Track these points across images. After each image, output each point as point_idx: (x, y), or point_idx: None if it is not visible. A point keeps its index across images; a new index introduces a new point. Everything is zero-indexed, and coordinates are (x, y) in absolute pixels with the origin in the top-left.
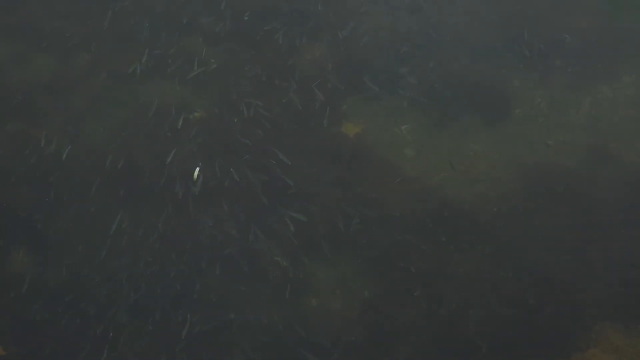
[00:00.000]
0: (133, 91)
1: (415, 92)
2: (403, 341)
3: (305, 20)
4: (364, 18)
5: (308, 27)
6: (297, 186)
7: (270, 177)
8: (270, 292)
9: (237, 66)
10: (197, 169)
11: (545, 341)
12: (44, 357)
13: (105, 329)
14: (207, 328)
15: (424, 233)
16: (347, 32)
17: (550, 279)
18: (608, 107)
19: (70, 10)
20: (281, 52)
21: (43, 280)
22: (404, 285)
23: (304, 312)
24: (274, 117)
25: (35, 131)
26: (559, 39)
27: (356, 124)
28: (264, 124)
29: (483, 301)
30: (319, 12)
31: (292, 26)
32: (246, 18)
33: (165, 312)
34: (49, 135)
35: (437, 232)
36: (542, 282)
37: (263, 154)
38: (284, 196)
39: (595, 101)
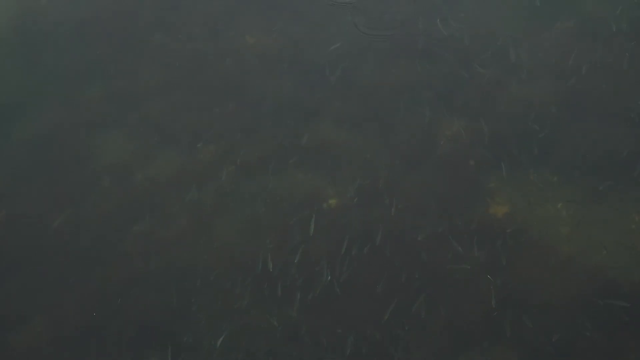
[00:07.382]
0: (263, 183)
1: (565, 164)
2: None
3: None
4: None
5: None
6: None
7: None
8: None
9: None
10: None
11: None
12: None
13: None
14: None
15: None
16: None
17: None
18: None
19: (192, 103)
20: (418, 130)
21: None
22: None
23: None
24: (412, 201)
25: (162, 231)
26: None
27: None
28: (404, 209)
29: None
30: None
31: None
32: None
33: None
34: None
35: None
36: None
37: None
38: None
39: None
